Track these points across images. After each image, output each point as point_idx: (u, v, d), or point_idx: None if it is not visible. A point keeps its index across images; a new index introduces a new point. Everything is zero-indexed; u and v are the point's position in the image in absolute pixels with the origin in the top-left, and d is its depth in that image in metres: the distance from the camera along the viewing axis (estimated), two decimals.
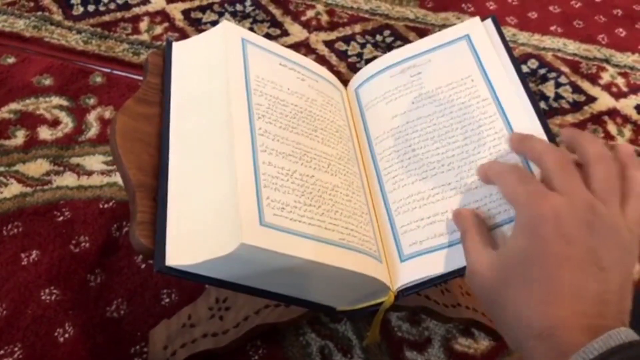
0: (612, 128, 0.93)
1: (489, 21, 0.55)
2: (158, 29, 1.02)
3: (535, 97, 0.51)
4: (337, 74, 0.94)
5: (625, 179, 0.39)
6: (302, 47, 1.02)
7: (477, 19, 0.56)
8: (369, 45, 1.02)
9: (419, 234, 0.47)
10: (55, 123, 0.87)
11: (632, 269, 0.37)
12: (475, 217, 0.43)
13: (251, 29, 1.02)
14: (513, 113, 0.49)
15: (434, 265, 0.45)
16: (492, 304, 0.38)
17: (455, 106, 0.52)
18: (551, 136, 0.47)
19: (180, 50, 0.55)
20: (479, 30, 0.55)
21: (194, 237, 0.42)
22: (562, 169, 0.39)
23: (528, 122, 0.48)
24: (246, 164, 0.43)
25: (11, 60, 0.94)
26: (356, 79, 0.60)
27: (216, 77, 0.50)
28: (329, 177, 0.48)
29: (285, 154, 0.47)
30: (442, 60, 0.55)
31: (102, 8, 1.05)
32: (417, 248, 0.46)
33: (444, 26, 1.04)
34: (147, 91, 0.52)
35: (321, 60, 0.99)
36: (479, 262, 0.39)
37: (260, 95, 0.50)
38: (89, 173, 0.81)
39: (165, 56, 0.54)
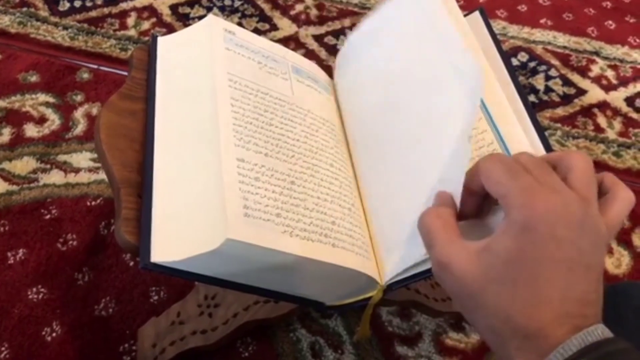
0: (602, 120, 0.93)
1: (476, 14, 0.55)
2: (145, 25, 1.01)
3: (525, 91, 0.50)
4: (327, 68, 0.94)
5: (604, 180, 0.38)
6: (291, 41, 1.01)
7: None
8: None
9: (404, 225, 0.46)
10: (41, 120, 0.86)
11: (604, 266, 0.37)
12: (440, 210, 0.40)
13: (240, 24, 1.01)
14: (492, 98, 0.48)
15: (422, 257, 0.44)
16: (468, 301, 0.36)
17: (416, 82, 0.50)
18: (540, 131, 0.46)
19: (166, 45, 0.54)
20: None
21: (179, 233, 0.41)
22: (539, 168, 0.37)
23: (506, 104, 0.47)
24: (231, 159, 0.43)
25: None
26: (335, 73, 0.60)
27: (201, 72, 0.49)
28: (315, 173, 0.48)
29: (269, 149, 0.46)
30: (398, 32, 0.53)
31: (88, 4, 1.04)
32: (403, 240, 0.46)
33: None
34: (131, 87, 0.52)
35: (310, 54, 0.99)
36: (453, 255, 0.36)
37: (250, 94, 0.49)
38: (76, 170, 0.80)
39: (150, 51, 0.54)
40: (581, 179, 0.37)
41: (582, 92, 0.97)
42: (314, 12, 1.07)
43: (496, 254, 0.35)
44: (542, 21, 1.08)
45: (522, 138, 0.46)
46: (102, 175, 0.80)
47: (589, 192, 0.37)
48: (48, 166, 0.81)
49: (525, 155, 0.39)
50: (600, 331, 0.32)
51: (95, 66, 0.94)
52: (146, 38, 0.99)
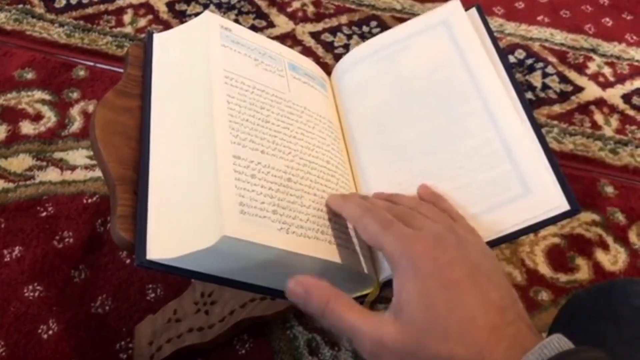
0: (599, 118, 0.93)
1: (473, 10, 0.54)
2: (142, 22, 1.01)
3: (522, 88, 0.50)
4: (324, 65, 0.94)
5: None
6: (288, 38, 1.01)
7: (457, 2, 0.55)
8: (355, 37, 1.02)
9: None
10: (37, 117, 0.85)
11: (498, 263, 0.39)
12: (344, 299, 0.38)
13: (236, 21, 1.01)
14: (494, 101, 0.48)
15: None
16: None
17: (432, 95, 0.51)
18: (537, 128, 0.46)
19: (162, 42, 0.54)
20: (458, 15, 0.54)
21: (175, 230, 0.41)
22: (389, 226, 0.39)
23: (510, 109, 0.47)
24: (227, 157, 0.43)
25: None
26: (336, 71, 0.59)
27: (197, 69, 0.49)
28: (311, 170, 0.47)
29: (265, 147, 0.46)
30: (420, 47, 0.54)
31: (84, 0, 1.03)
32: None
33: None
34: (127, 83, 0.52)
35: (307, 51, 0.99)
36: (383, 332, 0.35)
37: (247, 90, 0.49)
38: (73, 168, 0.80)
39: (146, 48, 0.54)
40: (433, 211, 0.42)
41: (579, 89, 0.97)
42: (311, 9, 1.06)
43: (408, 307, 0.35)
44: (540, 18, 1.08)
45: (522, 137, 0.46)
46: (98, 173, 0.79)
47: (444, 217, 0.42)
48: (44, 164, 0.80)
49: (395, 198, 0.45)
50: (556, 342, 0.31)
51: (92, 63, 0.94)
52: (142, 35, 0.98)
